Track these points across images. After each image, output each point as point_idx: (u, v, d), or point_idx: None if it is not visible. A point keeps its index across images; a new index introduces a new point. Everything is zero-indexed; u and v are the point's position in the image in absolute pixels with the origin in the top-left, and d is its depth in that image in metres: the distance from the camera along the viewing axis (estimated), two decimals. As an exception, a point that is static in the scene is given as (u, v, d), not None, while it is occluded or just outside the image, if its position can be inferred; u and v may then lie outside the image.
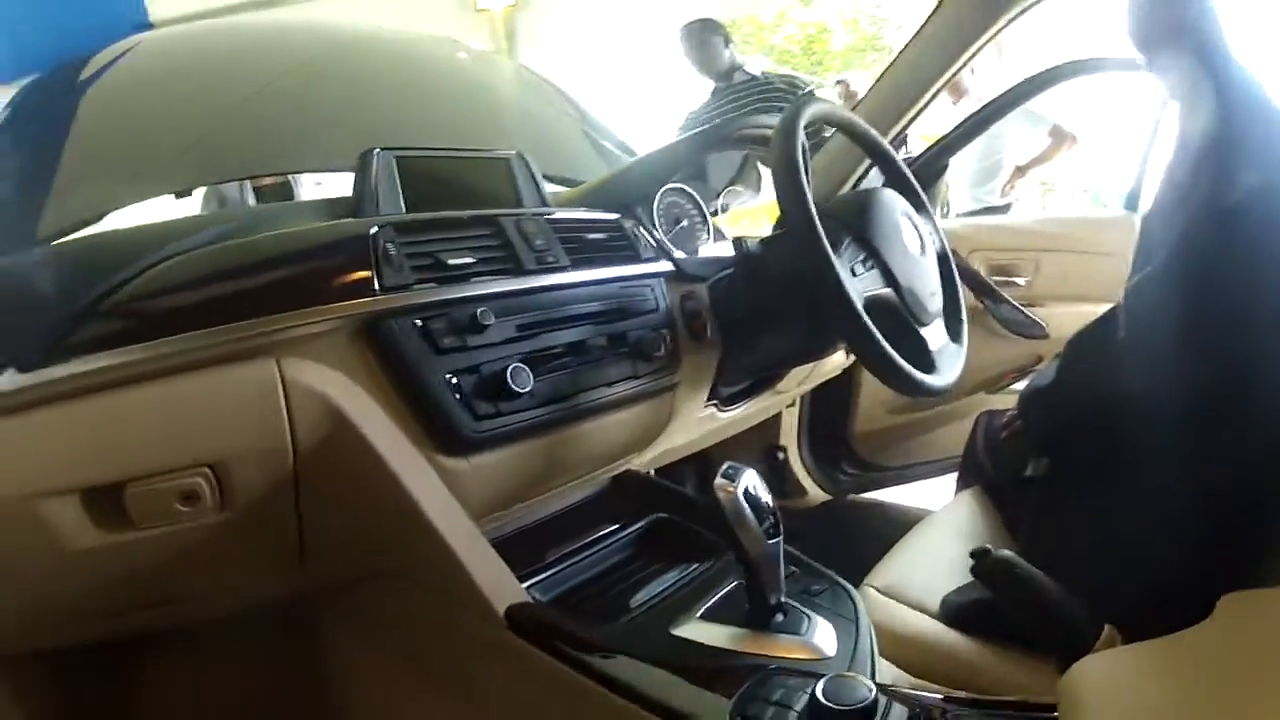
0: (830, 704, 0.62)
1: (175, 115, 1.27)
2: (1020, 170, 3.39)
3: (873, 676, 0.84)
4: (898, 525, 1.57)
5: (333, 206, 1.01)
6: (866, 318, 0.94)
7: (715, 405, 1.28)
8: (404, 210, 1.00)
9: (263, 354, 0.77)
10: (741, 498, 0.79)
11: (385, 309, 0.83)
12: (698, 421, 1.25)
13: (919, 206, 1.20)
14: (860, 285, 1.00)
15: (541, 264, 0.97)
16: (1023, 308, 1.72)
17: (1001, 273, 1.78)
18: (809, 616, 0.87)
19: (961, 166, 3.38)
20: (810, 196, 0.96)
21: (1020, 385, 1.65)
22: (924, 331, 1.06)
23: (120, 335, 0.75)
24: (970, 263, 1.71)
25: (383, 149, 1.01)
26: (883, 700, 0.64)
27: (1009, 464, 1.28)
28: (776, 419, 1.76)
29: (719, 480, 0.80)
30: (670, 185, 1.25)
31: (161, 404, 0.75)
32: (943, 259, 1.20)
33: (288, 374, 0.77)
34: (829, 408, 1.82)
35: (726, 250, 1.20)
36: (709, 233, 1.29)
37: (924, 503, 1.72)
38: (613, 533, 1.07)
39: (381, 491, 0.81)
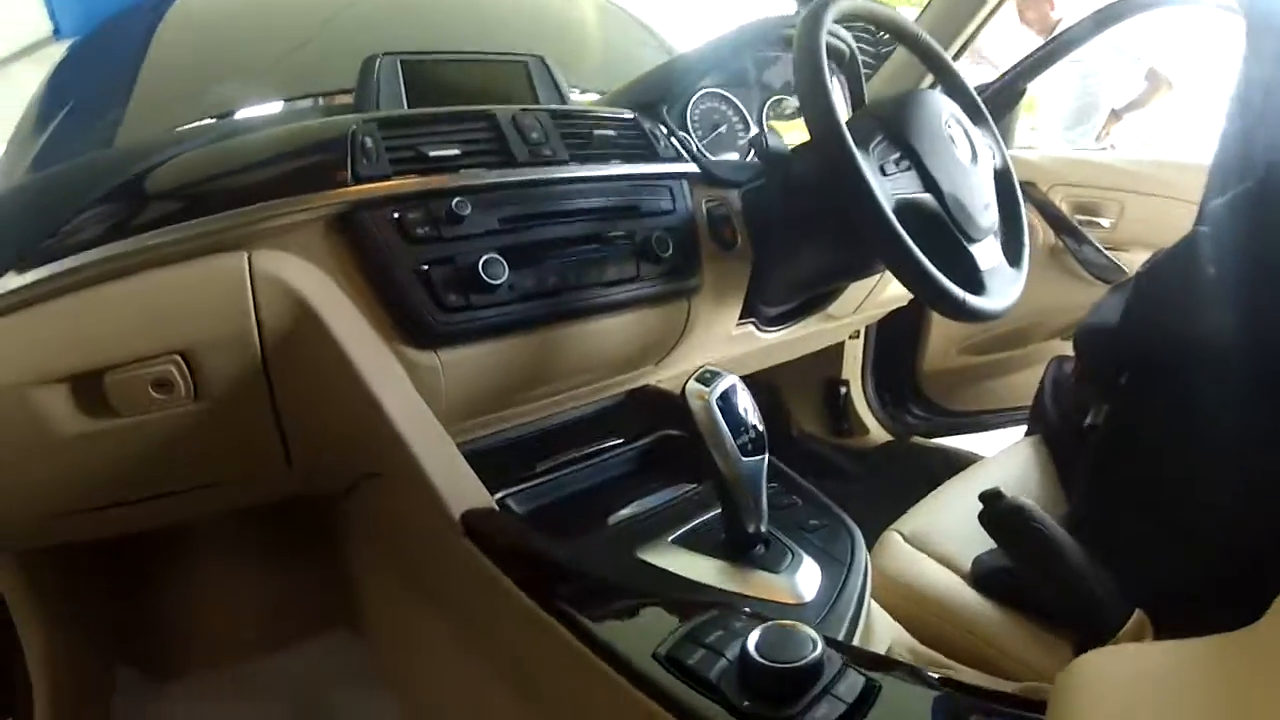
0: (761, 657, 0.50)
1: (246, 39, 1.32)
2: (1116, 114, 3.15)
3: (850, 633, 0.75)
4: (954, 470, 1.51)
5: (334, 112, 1.00)
6: (893, 218, 0.86)
7: (754, 324, 1.21)
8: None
9: (236, 246, 0.78)
10: (715, 406, 0.70)
11: (357, 199, 0.81)
12: (730, 339, 1.18)
13: (976, 116, 1.10)
14: (890, 186, 0.92)
15: (536, 157, 0.93)
16: (1105, 250, 1.57)
17: (1084, 211, 1.61)
18: (793, 554, 0.80)
19: (1055, 106, 3.18)
20: (829, 88, 0.89)
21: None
22: (973, 249, 0.96)
23: (104, 234, 0.78)
24: (1051, 198, 1.57)
25: (386, 54, 1.00)
26: (830, 662, 0.52)
27: (1071, 411, 1.15)
28: (838, 351, 1.67)
29: (690, 384, 0.72)
30: (709, 89, 1.18)
31: (137, 296, 0.77)
32: (1002, 175, 1.09)
33: (257, 265, 0.77)
34: (896, 343, 1.72)
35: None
36: (753, 141, 1.21)
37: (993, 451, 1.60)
38: (614, 447, 1.01)
39: (345, 384, 0.80)
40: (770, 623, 0.53)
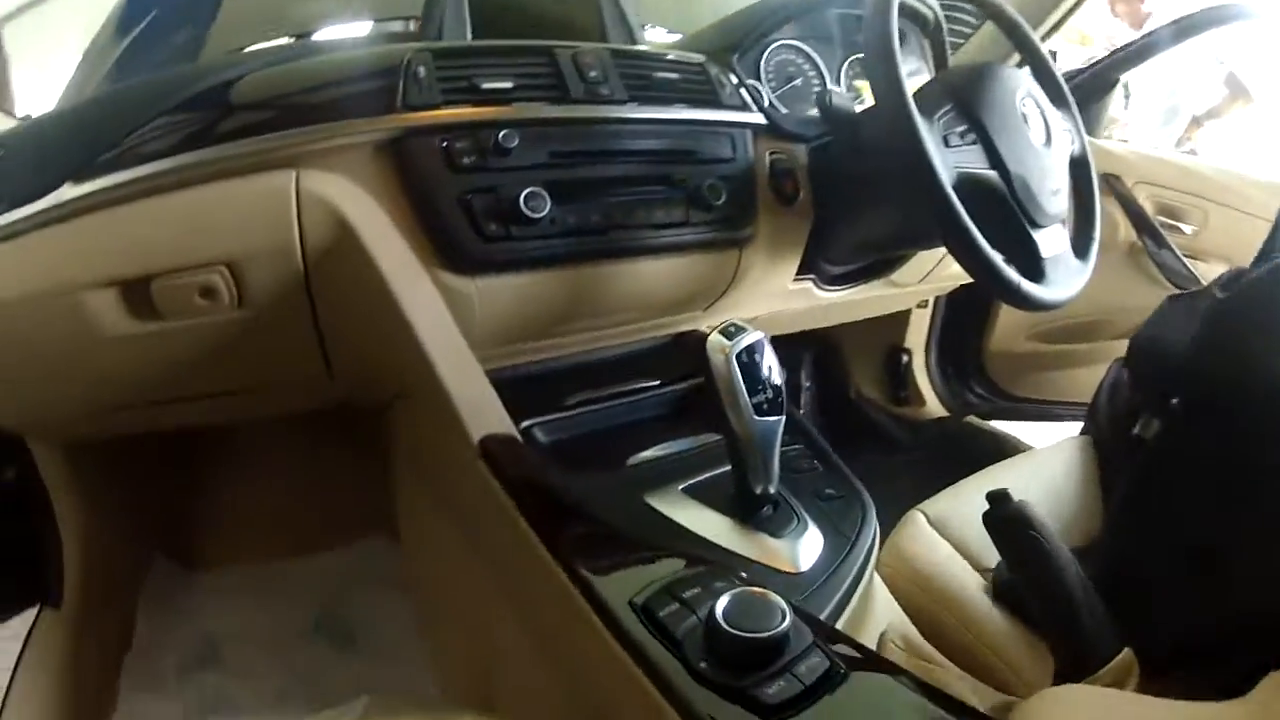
0: (726, 623, 0.48)
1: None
2: (1196, 121, 3.01)
3: (839, 611, 0.73)
4: (1003, 457, 1.47)
5: (399, 39, 1.01)
6: (950, 190, 0.83)
7: (813, 281, 1.19)
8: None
9: (285, 165, 0.80)
10: (734, 361, 0.69)
11: (405, 126, 0.82)
12: (787, 294, 1.16)
13: (1058, 99, 1.04)
14: (953, 158, 0.88)
15: (592, 95, 0.92)
16: (1185, 258, 1.48)
17: (1168, 214, 1.52)
18: (799, 520, 0.78)
19: (1150, 106, 3.00)
20: (896, 50, 0.85)
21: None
22: (1036, 234, 0.91)
23: (158, 151, 0.81)
24: (1135, 194, 1.49)
25: None
26: (797, 638, 0.49)
27: (1123, 416, 1.09)
28: (904, 318, 1.63)
29: (713, 336, 0.71)
30: (787, 40, 1.14)
31: (187, 207, 0.80)
32: (1079, 163, 1.03)
33: (303, 184, 0.79)
34: (964, 319, 1.66)
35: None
36: (819, 99, 1.17)
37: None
38: (648, 389, 1.01)
39: (380, 304, 0.82)
40: (744, 588, 0.51)
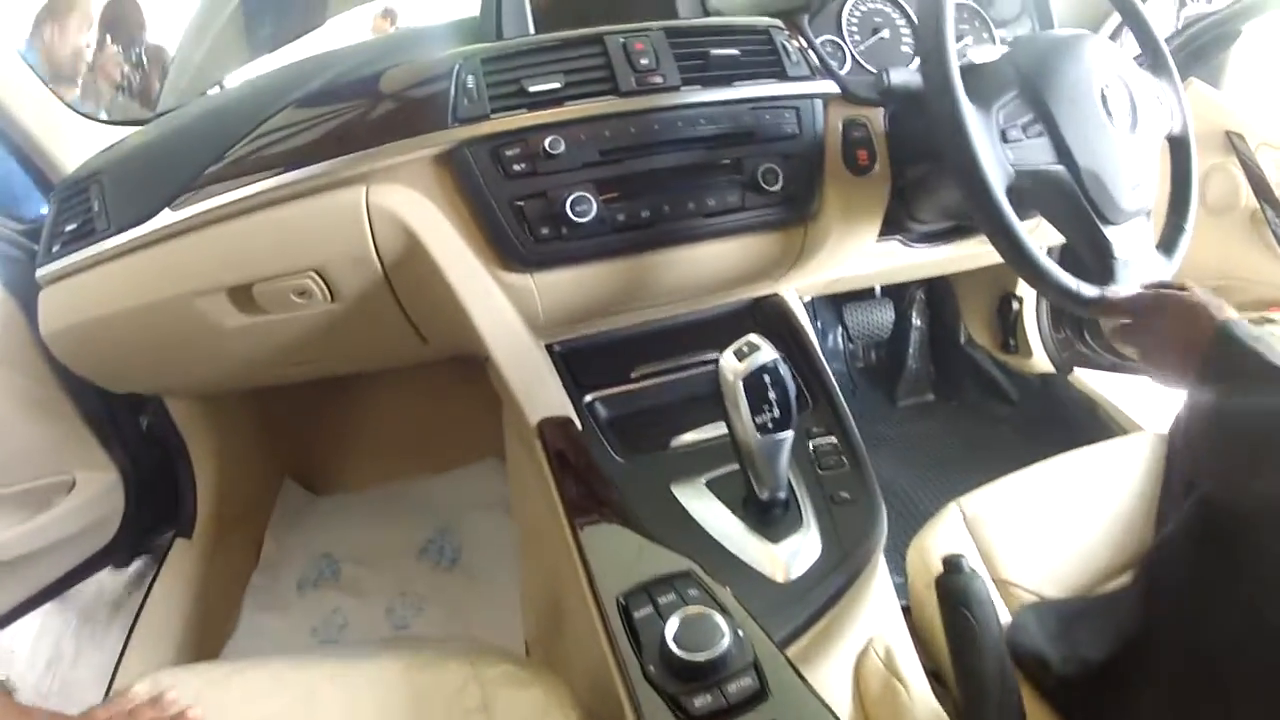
0: (673, 641, 0.57)
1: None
2: None
3: (812, 621, 0.75)
4: (1101, 434, 1.44)
5: (462, 29, 1.04)
6: (998, 194, 0.79)
7: (899, 241, 1.16)
8: (531, 31, 1.03)
9: (357, 182, 0.90)
10: (740, 384, 0.70)
11: (458, 139, 0.89)
12: (872, 256, 1.13)
13: (1159, 67, 0.95)
14: (1013, 155, 0.82)
15: (643, 85, 0.93)
16: None
17: None
18: (805, 526, 0.80)
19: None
20: (947, 26, 0.80)
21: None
22: (1109, 232, 0.84)
23: (246, 173, 0.92)
24: (1255, 156, 1.31)
25: None
26: (736, 657, 0.57)
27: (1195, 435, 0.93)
28: None
29: (725, 355, 0.72)
30: None
31: (273, 226, 0.92)
32: (1178, 144, 0.95)
33: (372, 198, 0.89)
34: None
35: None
36: (876, 81, 1.10)
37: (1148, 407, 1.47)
38: (713, 361, 1.03)
39: (447, 299, 0.92)
40: (699, 609, 0.60)
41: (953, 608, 0.73)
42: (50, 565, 1.27)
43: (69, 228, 1.03)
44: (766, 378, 0.71)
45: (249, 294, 0.94)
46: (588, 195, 0.90)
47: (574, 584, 0.76)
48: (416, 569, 1.47)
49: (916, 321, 1.81)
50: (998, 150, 0.81)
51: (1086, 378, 1.61)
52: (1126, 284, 0.84)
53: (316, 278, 0.92)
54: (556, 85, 0.91)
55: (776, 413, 0.71)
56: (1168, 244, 0.92)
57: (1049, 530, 0.91)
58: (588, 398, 0.96)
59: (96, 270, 1.00)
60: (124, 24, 2.26)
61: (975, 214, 0.81)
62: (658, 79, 0.94)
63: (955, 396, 1.80)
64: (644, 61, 0.94)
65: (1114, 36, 1.25)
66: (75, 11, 1.99)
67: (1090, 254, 0.85)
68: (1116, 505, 0.93)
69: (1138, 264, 0.86)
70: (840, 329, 1.78)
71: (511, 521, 1.45)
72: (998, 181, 0.79)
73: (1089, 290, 0.83)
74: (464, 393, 1.55)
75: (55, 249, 1.04)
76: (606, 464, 0.88)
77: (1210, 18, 1.38)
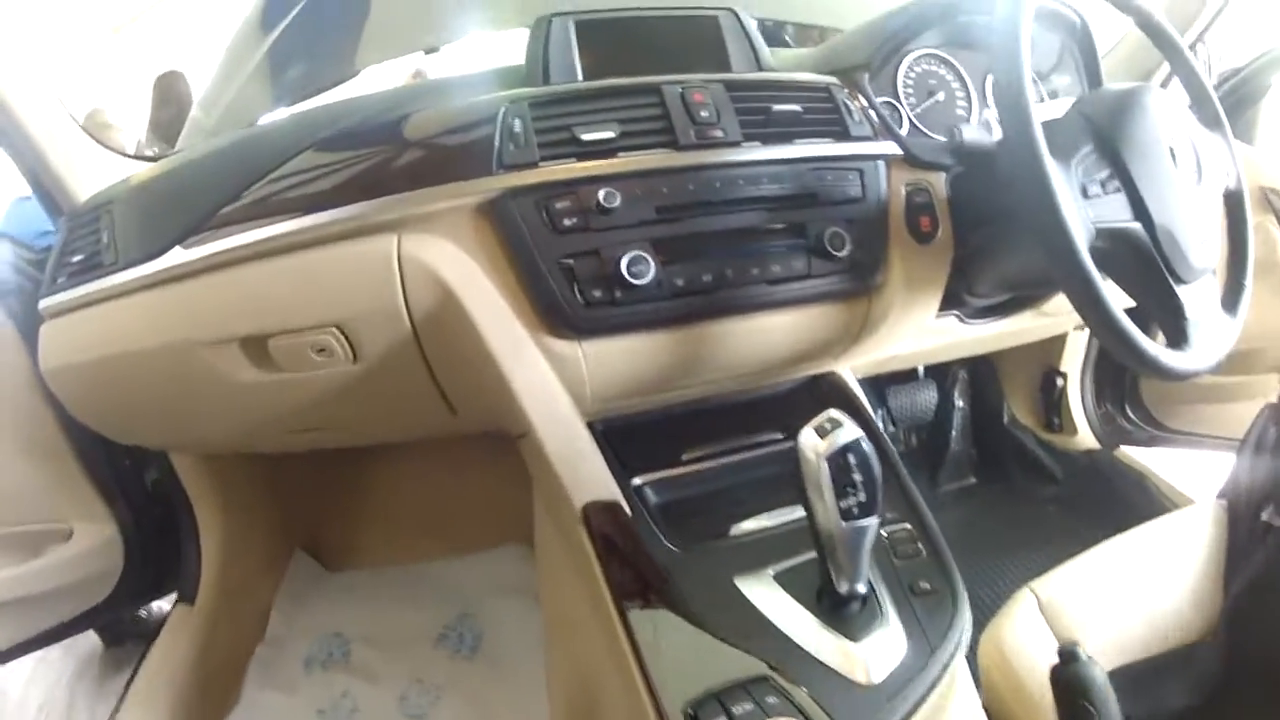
0: None
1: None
2: None
3: None
4: (1152, 509, 1.38)
5: (507, 76, 0.98)
6: (1086, 257, 0.73)
7: (957, 316, 1.10)
8: (579, 80, 0.95)
9: (387, 229, 0.81)
10: (824, 464, 0.63)
11: (502, 189, 0.80)
12: (929, 332, 1.08)
13: (1212, 122, 0.92)
14: (1093, 212, 0.78)
15: (703, 139, 0.86)
16: None
17: None
18: (885, 620, 0.73)
19: None
20: (1029, 77, 0.75)
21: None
22: (1182, 292, 0.81)
23: (265, 214, 0.85)
24: None
25: (558, 14, 0.96)
26: None
27: (1258, 486, 0.96)
28: (1060, 340, 1.51)
29: (806, 432, 0.65)
30: (926, 49, 1.04)
31: (293, 274, 0.83)
32: (1233, 198, 0.92)
33: (405, 249, 0.80)
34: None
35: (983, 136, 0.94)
36: (975, 116, 1.06)
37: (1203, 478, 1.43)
38: (770, 442, 0.95)
39: (485, 368, 0.82)
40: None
41: (1072, 701, 0.71)
42: (42, 615, 1.20)
43: (76, 258, 0.96)
44: (851, 458, 0.63)
45: (264, 347, 0.85)
46: (645, 255, 0.81)
47: (616, 683, 0.69)
48: (434, 655, 1.37)
49: (959, 402, 1.74)
50: (1080, 207, 0.77)
51: (1133, 451, 1.57)
52: (1200, 347, 0.81)
53: (339, 334, 0.83)
54: (611, 134, 0.84)
55: (862, 496, 0.64)
56: (1231, 302, 0.89)
57: (1123, 608, 0.89)
58: (636, 480, 0.87)
59: (101, 307, 0.92)
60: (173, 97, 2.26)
61: (1059, 274, 0.75)
62: (718, 133, 0.87)
63: (999, 479, 1.74)
64: (704, 114, 0.87)
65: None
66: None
67: (1162, 316, 0.82)
68: (1186, 577, 0.92)
69: (1208, 325, 0.83)
70: (884, 411, 1.70)
71: (540, 610, 1.35)
72: (1082, 240, 0.74)
73: (1178, 361, 0.78)
74: (489, 469, 1.44)
75: (60, 280, 0.97)
76: (660, 553, 0.78)
77: (1241, 73, 1.36)
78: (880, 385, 1.67)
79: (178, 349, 0.88)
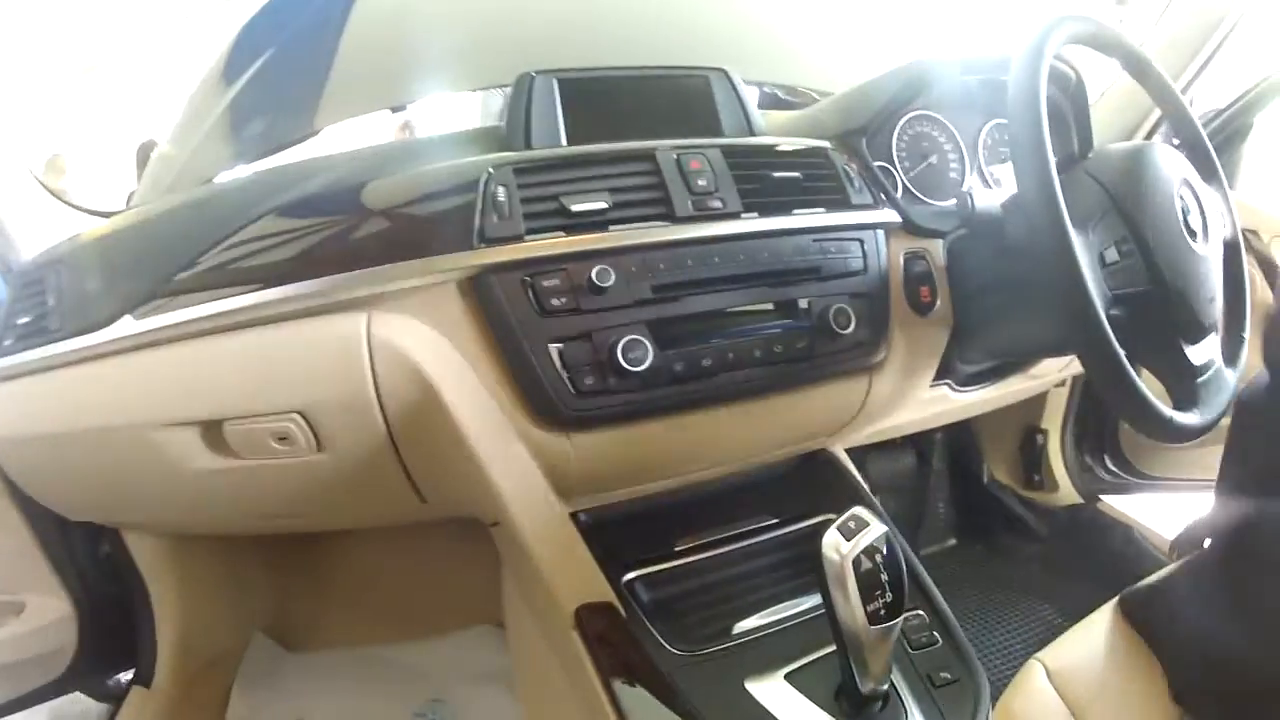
0: None
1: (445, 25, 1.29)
2: None
3: None
4: (1139, 559, 1.42)
5: (486, 137, 0.91)
6: (1108, 327, 0.70)
7: (948, 385, 1.06)
8: (563, 143, 0.88)
9: (355, 308, 0.74)
10: (850, 566, 0.59)
11: (484, 264, 0.73)
12: (922, 403, 1.04)
13: (1209, 174, 0.90)
14: (1110, 279, 0.77)
15: (701, 210, 0.80)
16: None
17: None
18: (908, 717, 0.69)
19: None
20: (1048, 145, 0.72)
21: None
22: (1190, 351, 0.80)
23: (221, 283, 0.76)
24: (1269, 251, 1.28)
25: (540, 72, 0.90)
26: None
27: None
28: (1040, 398, 1.49)
29: (830, 533, 0.60)
30: (917, 112, 1.00)
31: (251, 353, 0.75)
32: (1232, 250, 0.90)
33: (375, 329, 0.73)
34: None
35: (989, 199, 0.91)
36: (969, 177, 1.02)
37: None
38: (767, 528, 0.89)
39: (465, 465, 0.76)
40: None
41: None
42: (-4, 688, 1.10)
43: (22, 320, 0.88)
44: (879, 558, 0.59)
45: (219, 431, 0.77)
46: (642, 339, 0.75)
47: None
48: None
49: (938, 465, 1.71)
50: (1097, 275, 0.76)
51: (1114, 501, 1.56)
52: (1207, 405, 0.79)
53: (301, 421, 0.75)
54: (603, 205, 0.77)
55: (889, 597, 0.60)
56: (1231, 356, 0.87)
57: (1135, 671, 0.85)
58: (626, 576, 0.80)
59: (46, 376, 0.84)
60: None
61: (1079, 344, 0.73)
62: (717, 204, 0.81)
63: (979, 539, 1.73)
64: (701, 183, 0.81)
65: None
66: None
67: (1172, 377, 0.80)
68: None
69: (1214, 383, 0.82)
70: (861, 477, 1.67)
71: (515, 699, 1.28)
72: (1102, 309, 0.71)
73: (1190, 421, 0.76)
74: (456, 550, 1.37)
75: (6, 343, 0.88)
76: (663, 659, 0.72)
77: (1223, 114, 1.34)
78: (859, 452, 1.62)
79: (125, 430, 0.80)
